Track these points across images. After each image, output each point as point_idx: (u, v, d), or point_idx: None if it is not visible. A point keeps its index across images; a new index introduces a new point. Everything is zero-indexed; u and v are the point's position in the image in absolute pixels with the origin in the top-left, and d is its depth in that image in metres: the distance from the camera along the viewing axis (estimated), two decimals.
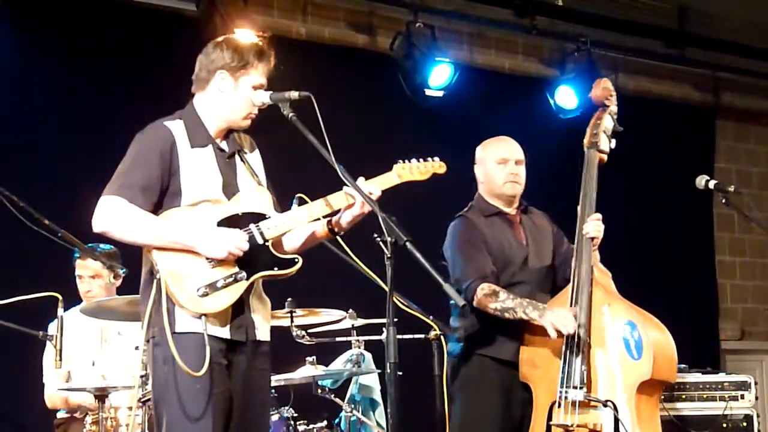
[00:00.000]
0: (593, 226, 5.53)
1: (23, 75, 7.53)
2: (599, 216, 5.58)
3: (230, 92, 4.61)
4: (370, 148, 8.55)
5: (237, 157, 4.68)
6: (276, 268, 4.57)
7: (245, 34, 7.79)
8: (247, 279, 4.47)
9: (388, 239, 4.29)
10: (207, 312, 4.36)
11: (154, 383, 4.43)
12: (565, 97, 9.45)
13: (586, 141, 5.78)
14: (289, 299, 6.13)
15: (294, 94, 4.57)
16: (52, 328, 5.60)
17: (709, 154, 11.01)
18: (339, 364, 6.58)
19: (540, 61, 10.01)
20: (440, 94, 8.89)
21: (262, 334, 4.63)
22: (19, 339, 5.75)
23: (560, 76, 9.65)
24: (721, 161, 11.14)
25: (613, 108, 5.87)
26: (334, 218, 4.76)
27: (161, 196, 4.43)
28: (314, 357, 6.20)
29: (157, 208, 4.42)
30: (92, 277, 6.53)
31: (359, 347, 6.46)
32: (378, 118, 8.97)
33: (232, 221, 4.49)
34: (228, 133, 4.67)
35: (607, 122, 5.81)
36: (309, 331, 6.32)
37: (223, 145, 4.64)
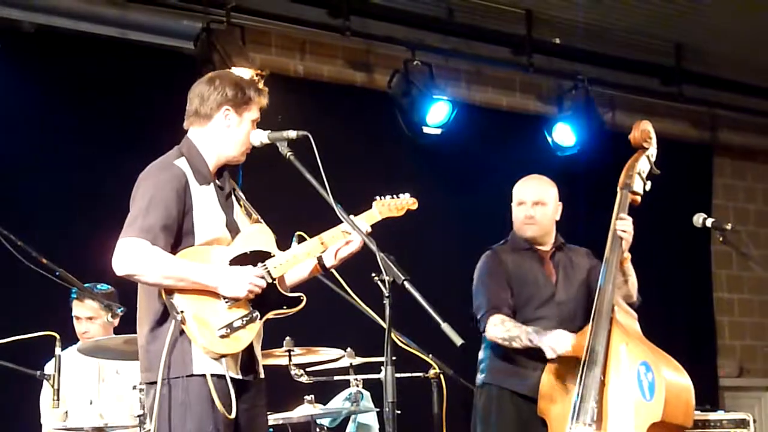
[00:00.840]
0: (623, 225, 5.58)
1: (18, 112, 7.53)
2: (628, 218, 5.70)
3: (234, 128, 4.60)
4: (368, 186, 8.53)
5: (233, 195, 4.67)
6: (285, 307, 4.59)
7: (243, 72, 7.81)
8: (261, 318, 4.47)
9: (386, 278, 4.28)
10: (227, 353, 4.34)
11: (160, 425, 4.38)
12: (563, 135, 9.46)
13: (620, 181, 5.85)
14: (287, 338, 6.12)
15: (292, 134, 4.57)
16: (49, 367, 5.58)
17: (706, 191, 11.03)
18: (337, 402, 6.55)
19: (537, 98, 10.04)
20: (438, 131, 8.90)
21: (262, 371, 4.64)
22: (16, 378, 5.74)
23: (558, 114, 9.67)
24: (719, 198, 11.16)
25: (652, 150, 5.93)
26: (326, 254, 4.78)
27: (178, 235, 4.40)
28: (312, 396, 6.18)
29: (174, 248, 4.38)
30: (89, 318, 6.49)
31: (357, 386, 6.43)
32: (376, 156, 8.98)
33: (242, 260, 4.48)
34: (220, 171, 4.65)
35: (643, 164, 5.90)
36: (307, 369, 6.30)
37: (219, 182, 4.62)
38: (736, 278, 11.22)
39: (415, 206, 5.11)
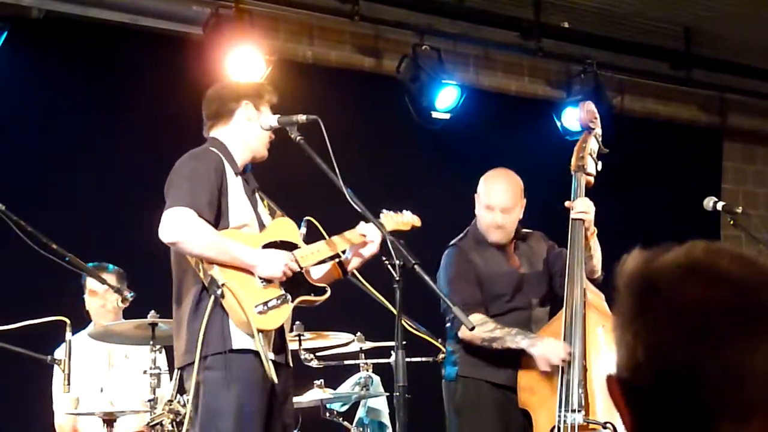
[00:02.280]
0: (581, 205, 5.52)
1: (26, 98, 7.55)
2: (586, 199, 5.58)
3: (255, 121, 4.77)
4: (377, 171, 8.60)
5: (256, 193, 4.85)
6: (312, 294, 4.76)
7: (253, 57, 7.82)
8: (292, 301, 4.60)
9: (397, 262, 4.32)
10: (264, 329, 4.47)
11: (206, 401, 4.40)
12: (572, 119, 9.44)
13: (572, 165, 5.77)
14: (297, 322, 6.12)
15: (302, 118, 4.62)
16: (59, 353, 5.60)
17: (716, 175, 10.99)
18: (347, 387, 6.56)
19: (546, 83, 10.01)
20: (447, 116, 8.88)
21: (290, 358, 4.80)
22: (28, 364, 5.75)
23: (567, 98, 9.64)
24: (728, 182, 11.13)
25: (598, 130, 5.86)
26: (345, 258, 4.95)
27: (216, 214, 4.55)
28: (322, 380, 6.19)
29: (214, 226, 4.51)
30: (106, 291, 6.49)
31: (367, 370, 6.44)
32: (385, 141, 8.98)
33: (272, 248, 4.63)
34: (244, 169, 4.78)
35: (593, 144, 5.81)
36: (317, 354, 6.32)
37: (245, 177, 4.79)
38: None
39: (419, 224, 5.30)
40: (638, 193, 10.01)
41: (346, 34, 9.07)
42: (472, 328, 4.71)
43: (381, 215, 5.06)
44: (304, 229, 5.93)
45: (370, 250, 4.90)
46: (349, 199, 4.49)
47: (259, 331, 4.43)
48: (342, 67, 9.09)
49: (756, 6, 9.25)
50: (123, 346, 6.31)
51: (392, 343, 6.25)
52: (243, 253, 4.49)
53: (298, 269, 4.63)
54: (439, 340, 6.07)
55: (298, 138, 4.59)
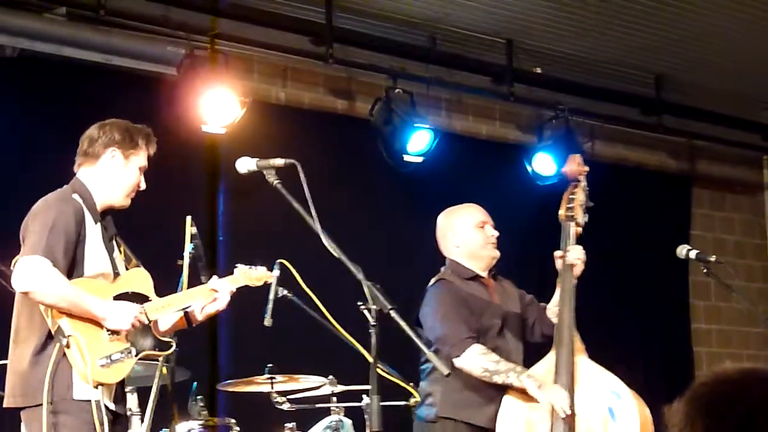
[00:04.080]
0: (574, 253, 5.58)
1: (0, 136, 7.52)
2: (579, 247, 5.64)
3: (120, 169, 4.80)
4: (349, 213, 8.60)
5: (114, 239, 4.85)
6: (157, 349, 4.81)
7: (227, 98, 7.83)
8: (136, 355, 4.65)
9: (373, 307, 4.30)
10: (105, 382, 4.50)
11: None
12: (543, 164, 9.49)
13: (561, 214, 5.82)
14: (270, 365, 6.12)
15: (279, 162, 4.61)
16: None
17: (685, 221, 11.07)
18: (318, 430, 6.53)
19: (517, 127, 10.08)
20: (419, 159, 8.91)
21: (132, 405, 5.02)
22: None
23: (537, 143, 9.69)
24: (697, 229, 11.19)
25: (585, 183, 5.93)
26: (192, 310, 4.97)
27: (71, 263, 4.57)
28: (294, 423, 6.18)
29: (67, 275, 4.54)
30: None
31: (339, 413, 6.42)
32: (357, 183, 8.98)
33: (123, 299, 4.65)
34: (104, 213, 4.80)
35: (581, 197, 5.87)
36: (289, 397, 6.30)
37: (104, 223, 4.79)
38: (714, 309, 11.25)
39: (272, 280, 5.45)
40: (607, 238, 10.03)
41: (320, 76, 9.10)
42: (447, 375, 4.70)
43: (235, 270, 5.16)
44: (277, 272, 5.94)
45: (218, 305, 4.98)
46: (326, 244, 4.47)
47: (99, 384, 4.47)
48: (315, 109, 9.11)
49: (727, 54, 9.35)
50: None
51: (364, 387, 6.26)
52: (93, 305, 4.51)
53: (147, 322, 4.67)
54: (411, 384, 6.05)
55: (275, 182, 4.57)
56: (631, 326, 10.35)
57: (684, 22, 8.74)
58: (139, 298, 4.71)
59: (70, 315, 4.47)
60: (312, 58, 8.60)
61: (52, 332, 4.47)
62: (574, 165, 5.94)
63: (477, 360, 5.42)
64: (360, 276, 4.38)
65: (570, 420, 5.33)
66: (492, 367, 5.41)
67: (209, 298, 4.96)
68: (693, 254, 5.84)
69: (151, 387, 5.35)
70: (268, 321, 5.89)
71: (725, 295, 11.09)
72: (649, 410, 5.44)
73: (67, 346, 4.42)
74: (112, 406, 4.57)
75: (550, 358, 5.54)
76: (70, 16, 7.64)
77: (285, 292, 5.92)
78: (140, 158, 4.85)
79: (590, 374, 5.47)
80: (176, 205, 7.23)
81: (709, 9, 8.50)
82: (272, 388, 6.12)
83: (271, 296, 5.92)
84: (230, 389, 6.46)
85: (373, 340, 4.33)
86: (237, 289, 5.09)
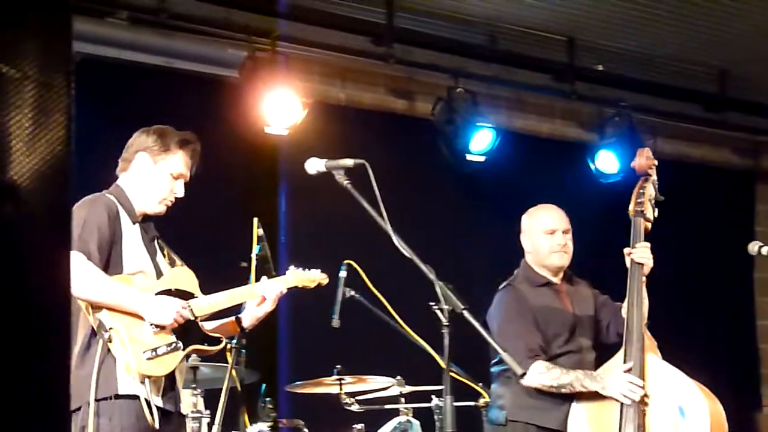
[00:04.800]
0: (641, 252, 5.53)
1: None
2: (647, 244, 5.58)
3: (148, 172, 4.78)
4: (411, 214, 8.57)
5: (155, 242, 4.83)
6: (206, 344, 4.76)
7: (289, 100, 7.84)
8: (183, 349, 4.61)
9: (446, 307, 4.27)
10: (152, 375, 4.47)
11: None
12: (606, 162, 9.42)
13: (631, 209, 5.77)
14: (338, 366, 6.11)
15: (349, 162, 4.60)
16: None
17: (749, 218, 10.96)
18: (387, 431, 6.52)
19: (579, 125, 10.00)
20: (482, 159, 8.88)
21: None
22: None
23: (600, 141, 9.62)
24: (761, 225, 11.06)
25: (655, 177, 5.87)
26: (244, 315, 4.94)
27: (107, 263, 4.55)
28: (363, 424, 6.18)
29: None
30: None
31: (407, 414, 6.40)
32: (419, 184, 8.96)
33: (167, 295, 4.64)
34: (144, 219, 4.79)
35: (651, 191, 5.81)
36: (357, 398, 6.29)
37: (144, 226, 4.78)
38: None
39: (325, 282, 5.30)
40: (671, 235, 9.94)
41: (379, 76, 9.08)
42: (522, 375, 4.67)
43: (287, 271, 5.12)
44: (344, 273, 5.94)
45: (266, 308, 4.94)
46: (397, 244, 4.44)
47: (147, 377, 4.44)
48: (375, 109, 9.10)
49: None
50: None
51: (432, 388, 6.25)
52: (131, 297, 4.50)
53: (191, 317, 4.64)
54: (480, 384, 6.03)
55: (346, 182, 4.56)
56: (697, 324, 10.26)
57: (747, 16, 8.63)
58: (184, 296, 4.69)
59: (110, 309, 4.45)
60: (372, 59, 8.58)
61: (95, 328, 4.45)
62: (643, 159, 5.89)
63: (539, 379, 5.41)
64: (432, 276, 4.36)
65: (641, 420, 5.28)
66: (555, 383, 5.41)
67: (257, 299, 4.92)
68: (765, 251, 5.77)
69: (220, 389, 5.33)
70: (336, 322, 5.90)
71: None
72: (721, 407, 5.39)
73: (110, 340, 4.39)
74: (160, 403, 4.51)
75: (619, 356, 5.49)
76: (132, 20, 7.68)
77: (352, 292, 5.93)
78: (171, 163, 4.83)
79: (660, 372, 5.42)
80: (239, 206, 7.26)
81: None
82: (341, 389, 6.11)
83: (339, 297, 5.93)
84: (299, 391, 6.46)
85: (446, 340, 4.30)
86: (288, 290, 5.06)
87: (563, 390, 5.39)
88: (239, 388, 5.38)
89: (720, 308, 10.56)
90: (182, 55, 7.92)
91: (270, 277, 5.21)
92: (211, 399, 5.84)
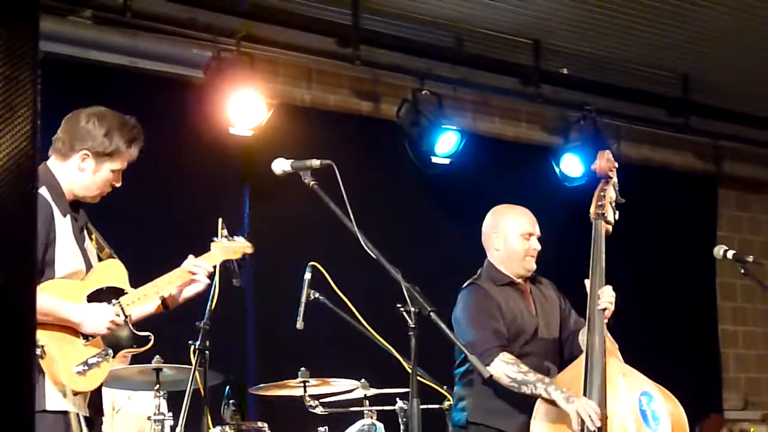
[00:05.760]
0: (606, 297, 5.50)
1: None
2: (610, 287, 5.56)
3: (89, 173, 4.54)
4: (376, 215, 8.55)
5: (84, 229, 4.62)
6: (135, 346, 4.61)
7: (252, 100, 7.81)
8: (113, 356, 4.49)
9: (412, 309, 4.24)
10: (83, 390, 4.35)
11: None
12: (571, 165, 9.44)
13: (592, 212, 5.75)
14: (302, 369, 6.08)
15: (316, 163, 4.57)
16: None
17: (711, 222, 11.02)
18: None
19: (544, 128, 10.03)
20: (447, 161, 8.88)
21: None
22: None
23: (564, 144, 9.65)
24: (723, 230, 11.13)
25: (615, 179, 5.86)
26: (170, 294, 4.77)
27: (41, 267, 4.35)
28: (326, 427, 6.15)
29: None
30: None
31: (372, 417, 6.38)
32: (383, 185, 8.95)
33: (97, 296, 4.48)
34: (74, 204, 4.58)
35: (611, 193, 5.80)
36: (321, 400, 6.26)
37: (74, 214, 4.56)
38: (741, 310, 11.19)
39: (250, 251, 5.07)
40: (634, 239, 9.98)
41: (344, 78, 9.08)
42: (489, 377, 4.64)
43: (211, 245, 4.92)
44: (308, 275, 5.91)
45: (197, 287, 4.77)
46: (363, 244, 4.41)
47: (77, 393, 4.33)
48: (341, 110, 9.08)
49: (753, 54, 9.28)
50: (126, 392, 6.24)
51: (397, 390, 6.22)
52: (68, 311, 4.34)
53: (123, 320, 4.50)
54: (445, 387, 6.01)
55: (312, 183, 4.53)
56: (658, 328, 10.30)
57: (710, 22, 8.68)
58: (114, 293, 4.52)
59: (43, 324, 4.28)
60: (338, 60, 8.57)
61: None
62: (604, 161, 5.87)
63: (503, 369, 5.32)
64: (399, 277, 4.33)
65: (603, 424, 5.26)
66: (519, 377, 5.33)
67: (186, 279, 4.74)
68: (730, 254, 5.77)
69: (183, 391, 5.30)
70: (299, 324, 5.86)
71: (751, 296, 11.05)
72: (683, 411, 5.38)
73: (41, 357, 4.25)
74: (84, 413, 4.39)
75: (580, 363, 5.45)
76: (96, 18, 7.63)
77: (317, 294, 5.89)
78: (116, 164, 4.57)
79: (621, 379, 5.39)
80: (203, 207, 7.22)
81: (735, 8, 8.44)
82: (305, 391, 6.07)
83: (303, 299, 5.90)
84: (263, 393, 6.42)
85: (413, 342, 4.27)
86: (216, 267, 4.90)
87: (523, 388, 5.30)
88: (203, 391, 5.34)
89: (682, 312, 10.60)
90: (147, 55, 7.87)
91: (235, 277, 5.14)
92: (174, 401, 5.80)
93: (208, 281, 4.80)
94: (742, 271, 5.75)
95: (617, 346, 5.55)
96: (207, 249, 5.09)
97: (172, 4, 7.66)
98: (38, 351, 4.24)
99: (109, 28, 7.69)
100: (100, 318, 4.40)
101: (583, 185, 9.19)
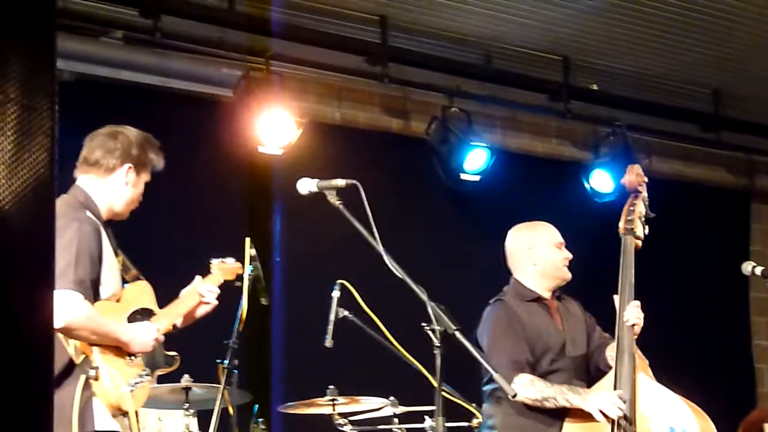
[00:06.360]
0: (633, 313, 5.49)
1: (59, 160, 7.54)
2: (638, 303, 5.55)
3: (131, 187, 4.71)
4: (406, 233, 8.57)
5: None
6: (167, 365, 4.74)
7: (283, 119, 7.85)
8: (151, 376, 4.61)
9: (437, 328, 4.26)
10: (131, 409, 4.43)
11: None
12: (601, 181, 9.42)
13: (621, 227, 5.75)
14: (331, 387, 6.09)
15: (341, 182, 4.58)
16: None
17: (744, 237, 10.95)
18: None
19: (574, 144, 10.00)
20: (476, 178, 8.88)
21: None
22: None
23: (595, 160, 9.62)
24: (757, 244, 11.06)
25: (645, 194, 5.85)
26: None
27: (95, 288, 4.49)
28: None
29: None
30: None
31: None
32: (413, 203, 8.97)
33: (132, 318, 4.60)
34: (105, 225, 4.69)
35: (641, 208, 5.79)
36: (351, 418, 6.27)
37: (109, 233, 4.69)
38: None
39: (241, 271, 5.27)
40: (666, 254, 9.95)
41: (375, 95, 9.10)
42: (514, 396, 4.65)
43: (211, 267, 5.12)
44: (337, 293, 5.93)
45: (208, 308, 4.93)
46: (388, 264, 4.42)
47: (124, 412, 4.42)
48: (370, 128, 9.10)
49: None
50: (155, 410, 6.27)
51: (425, 408, 6.23)
52: (119, 332, 4.46)
53: (163, 339, 4.65)
54: (474, 405, 6.01)
55: (337, 202, 4.55)
56: (692, 343, 10.24)
57: (741, 36, 8.65)
58: (147, 314, 4.65)
59: (98, 345, 4.40)
60: (367, 78, 8.59)
61: (75, 362, 4.38)
62: (633, 175, 5.87)
63: (524, 391, 5.34)
64: (424, 297, 4.34)
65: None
66: (540, 395, 5.36)
67: (197, 301, 4.91)
68: (759, 270, 5.76)
69: (212, 410, 5.32)
70: (328, 342, 5.88)
71: None
72: (713, 427, 5.36)
73: (96, 378, 4.34)
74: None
75: (610, 377, 5.46)
76: (127, 39, 7.69)
77: (345, 312, 5.91)
78: (148, 174, 4.80)
79: (651, 392, 5.39)
80: (234, 225, 7.26)
81: (764, 23, 8.39)
82: (334, 410, 6.09)
83: (332, 317, 5.92)
84: (291, 411, 6.44)
85: (438, 361, 4.29)
86: (242, 286, 5.14)
87: (547, 404, 5.33)
88: (231, 409, 5.37)
89: (716, 328, 10.54)
90: (177, 75, 7.92)
91: (263, 296, 5.20)
92: (203, 420, 5.82)
93: (216, 302, 4.93)
94: None
95: (647, 363, 5.55)
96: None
97: (201, 24, 7.71)
98: (92, 372, 4.34)
99: (140, 49, 7.74)
100: (146, 337, 4.53)
101: (613, 201, 9.15)
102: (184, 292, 4.91)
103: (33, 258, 2.04)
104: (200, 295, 4.90)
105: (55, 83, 2.08)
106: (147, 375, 4.54)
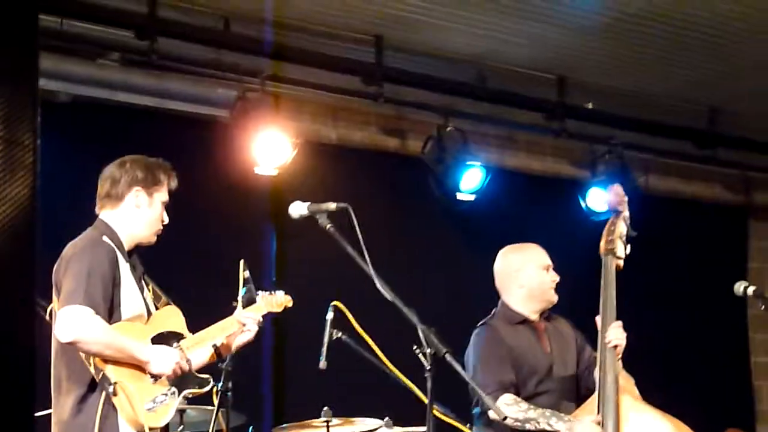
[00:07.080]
0: (615, 333, 5.50)
1: (54, 183, 7.54)
2: (620, 323, 5.56)
3: (145, 208, 4.78)
4: (402, 252, 8.60)
5: (143, 278, 4.84)
6: (197, 387, 4.76)
7: (279, 139, 7.87)
8: (178, 395, 4.64)
9: (428, 351, 4.29)
10: (153, 426, 4.50)
11: None
12: (597, 200, 9.44)
13: (601, 248, 5.78)
14: (325, 408, 6.09)
15: (332, 206, 4.62)
16: None
17: (741, 254, 10.97)
18: None
19: (570, 163, 10.02)
20: (472, 197, 8.90)
21: None
22: None
23: (591, 179, 9.64)
24: (755, 261, 11.08)
25: (626, 213, 5.86)
26: (222, 343, 4.97)
27: (110, 308, 4.55)
28: None
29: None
30: None
31: None
32: (409, 222, 8.98)
33: (159, 339, 4.66)
34: (130, 252, 4.78)
35: (621, 228, 5.81)
36: None
37: (132, 262, 4.77)
38: None
39: (290, 304, 5.34)
40: (664, 272, 9.97)
41: (371, 115, 9.12)
42: (504, 419, 4.67)
43: (257, 298, 5.13)
44: (331, 315, 5.94)
45: (246, 337, 4.98)
46: (378, 287, 4.46)
47: (150, 429, 4.48)
48: (366, 148, 9.12)
49: None
50: None
51: (420, 429, 6.22)
52: (137, 350, 4.52)
53: (187, 367, 4.67)
54: (468, 425, 6.01)
55: (328, 226, 4.58)
56: (690, 360, 10.24)
57: (736, 55, 8.66)
58: (174, 337, 4.72)
59: (115, 362, 4.47)
60: (363, 98, 8.61)
61: (96, 380, 4.46)
62: (613, 195, 5.89)
63: (507, 411, 5.30)
64: (414, 319, 4.37)
65: None
66: (522, 416, 5.36)
67: (236, 329, 4.96)
68: (750, 290, 5.75)
69: None
70: (323, 364, 5.88)
71: None
72: None
73: (114, 394, 4.42)
74: None
75: (593, 402, 5.46)
76: (123, 61, 7.72)
77: (340, 334, 5.91)
78: (163, 194, 4.85)
79: (634, 415, 5.38)
80: (228, 247, 7.28)
81: (760, 41, 8.41)
82: (328, 431, 6.08)
83: (326, 339, 5.92)
84: None
85: (429, 384, 4.31)
86: (264, 316, 5.12)
87: (527, 426, 5.33)
88: (225, 431, 5.38)
89: (714, 345, 10.54)
90: (173, 96, 7.95)
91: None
92: None
93: (257, 329, 4.99)
94: (763, 307, 5.74)
95: (633, 382, 5.55)
96: (230, 288, 5.17)
97: (197, 45, 7.73)
98: (111, 388, 4.42)
99: (136, 71, 7.77)
100: (166, 359, 4.58)
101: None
102: (223, 321, 4.96)
103: (13, 289, 2.06)
104: (240, 323, 4.94)
105: (38, 119, 2.11)
106: (172, 395, 4.59)
